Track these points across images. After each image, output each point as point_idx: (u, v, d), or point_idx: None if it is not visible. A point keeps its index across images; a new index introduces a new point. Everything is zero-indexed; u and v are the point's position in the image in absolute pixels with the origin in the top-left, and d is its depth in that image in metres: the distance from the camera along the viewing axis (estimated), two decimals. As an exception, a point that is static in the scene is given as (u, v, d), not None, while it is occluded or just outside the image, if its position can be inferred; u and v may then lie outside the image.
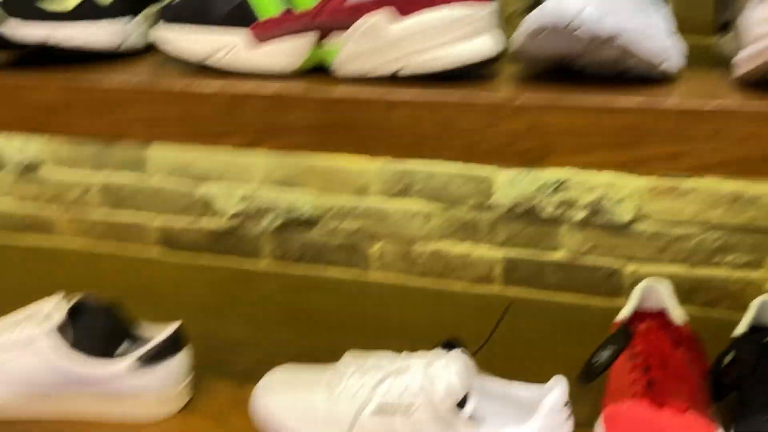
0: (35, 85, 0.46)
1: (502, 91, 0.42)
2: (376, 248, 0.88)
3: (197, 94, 0.44)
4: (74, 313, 0.61)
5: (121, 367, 0.59)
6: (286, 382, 0.59)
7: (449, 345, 0.57)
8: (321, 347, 0.67)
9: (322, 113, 0.43)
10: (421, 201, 0.84)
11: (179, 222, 0.94)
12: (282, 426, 0.57)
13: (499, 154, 0.41)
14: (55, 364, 0.59)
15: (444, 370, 0.53)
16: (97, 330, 0.61)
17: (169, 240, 0.95)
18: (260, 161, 0.88)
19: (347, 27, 0.44)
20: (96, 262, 0.93)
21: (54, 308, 0.61)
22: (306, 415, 0.56)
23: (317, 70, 0.46)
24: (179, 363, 0.62)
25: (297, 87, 0.44)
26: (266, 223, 0.90)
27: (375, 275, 0.89)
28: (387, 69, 0.44)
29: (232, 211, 0.91)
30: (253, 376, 0.61)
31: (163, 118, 0.45)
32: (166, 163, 0.92)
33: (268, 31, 0.46)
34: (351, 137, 0.43)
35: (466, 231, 0.84)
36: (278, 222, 0.90)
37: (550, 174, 0.79)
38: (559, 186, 0.79)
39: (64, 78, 0.47)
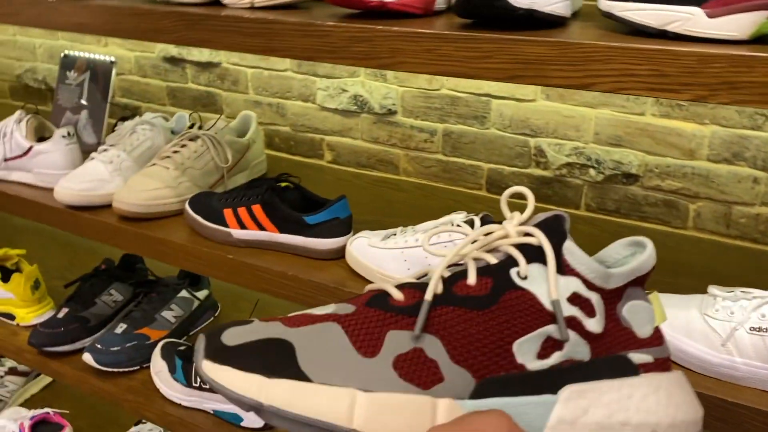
0: (528, 41, 0.61)
1: None
2: (694, 207, 0.96)
3: (666, 51, 0.56)
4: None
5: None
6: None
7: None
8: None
9: (772, 74, 0.53)
10: (749, 168, 0.91)
11: (507, 169, 1.09)
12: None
13: None
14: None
15: None
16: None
17: (494, 183, 1.11)
18: (592, 120, 1.00)
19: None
20: (430, 195, 1.11)
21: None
22: (685, 327, 0.67)
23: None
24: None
25: (750, 51, 0.54)
26: (591, 175, 1.02)
27: (690, 234, 0.98)
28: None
29: (560, 162, 1.04)
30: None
31: (633, 74, 0.58)
32: (505, 118, 1.07)
33: (720, 7, 0.57)
34: (800, 95, 0.53)
35: (794, 198, 0.90)
36: (602, 176, 1.01)
37: None
38: None
39: (548, 34, 0.61)
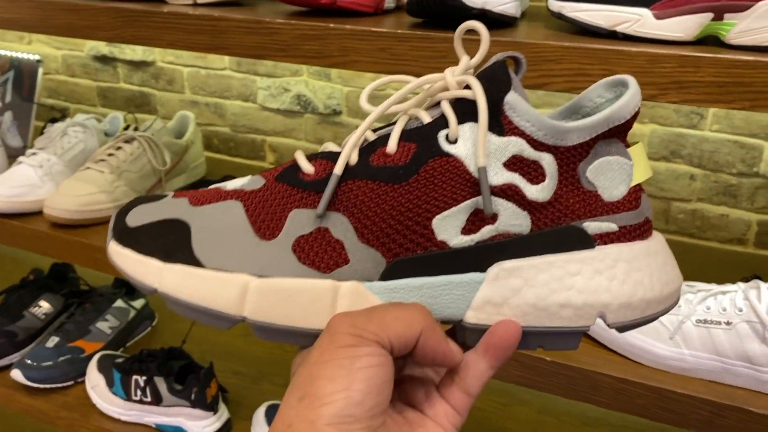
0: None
1: None
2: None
3: (619, 51, 0.57)
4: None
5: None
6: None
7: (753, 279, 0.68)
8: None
9: (719, 73, 0.55)
10: (686, 165, 0.95)
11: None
12: (606, 329, 0.70)
13: None
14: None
15: (767, 293, 0.64)
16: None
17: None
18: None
19: (744, 9, 0.56)
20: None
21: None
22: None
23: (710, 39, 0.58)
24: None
25: (697, 52, 0.56)
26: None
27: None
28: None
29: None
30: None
31: (586, 73, 0.58)
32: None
33: (668, 9, 0.58)
34: (745, 94, 0.55)
35: (727, 195, 0.94)
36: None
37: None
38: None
39: (500, 34, 0.61)
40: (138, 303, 1.18)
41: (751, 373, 0.64)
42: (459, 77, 0.35)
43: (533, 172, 0.34)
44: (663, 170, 0.96)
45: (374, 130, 0.37)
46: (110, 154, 0.97)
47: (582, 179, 0.35)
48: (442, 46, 0.62)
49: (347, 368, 0.29)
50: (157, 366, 0.98)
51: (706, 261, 0.89)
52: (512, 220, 0.34)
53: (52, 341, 1.07)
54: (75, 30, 0.77)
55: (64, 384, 1.05)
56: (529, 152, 0.34)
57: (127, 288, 1.18)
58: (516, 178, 0.34)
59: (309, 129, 1.18)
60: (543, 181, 0.34)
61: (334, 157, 0.36)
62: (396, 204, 0.34)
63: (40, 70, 1.17)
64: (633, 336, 0.68)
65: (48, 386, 1.04)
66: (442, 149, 0.34)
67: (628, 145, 0.36)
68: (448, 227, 0.34)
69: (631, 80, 0.35)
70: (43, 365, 1.04)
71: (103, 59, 1.32)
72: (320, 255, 0.34)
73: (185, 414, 0.96)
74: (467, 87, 0.35)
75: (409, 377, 0.36)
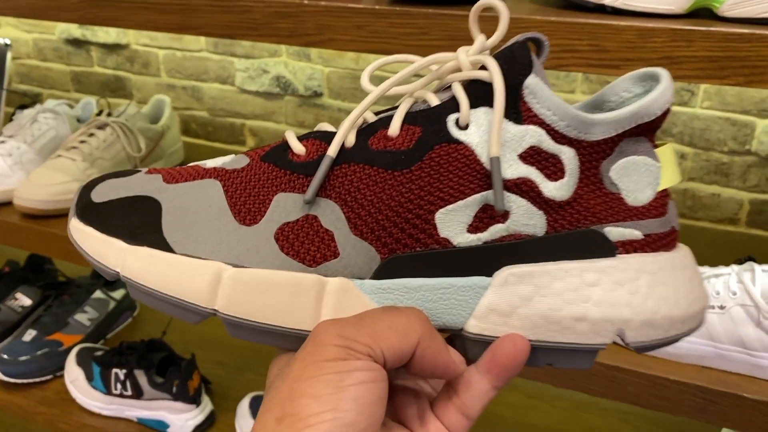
0: (466, 17, 0.58)
1: None
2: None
3: (607, 26, 0.54)
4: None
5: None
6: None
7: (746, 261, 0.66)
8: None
9: (712, 48, 0.52)
10: (677, 144, 0.92)
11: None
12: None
13: None
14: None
15: (762, 275, 0.62)
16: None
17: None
18: None
19: (739, -23, 0.53)
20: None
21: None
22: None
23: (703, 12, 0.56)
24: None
25: (689, 25, 0.53)
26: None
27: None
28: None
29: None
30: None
31: (573, 49, 0.56)
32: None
33: (659, -22, 0.55)
34: (740, 69, 0.52)
35: (718, 174, 0.92)
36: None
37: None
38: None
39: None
40: (118, 294, 1.15)
41: (745, 358, 0.62)
42: (473, 57, 0.32)
43: (552, 166, 0.30)
44: (653, 149, 0.94)
45: (376, 114, 0.34)
46: (82, 141, 0.93)
47: (605, 179, 0.31)
48: (422, 23, 0.58)
49: (335, 385, 0.26)
50: (137, 359, 0.96)
51: (698, 242, 0.87)
52: (525, 219, 0.30)
53: (29, 335, 1.04)
54: (37, 11, 0.73)
55: (43, 378, 1.02)
56: (549, 144, 0.30)
57: (105, 279, 1.15)
58: (532, 172, 0.30)
59: (290, 112, 1.15)
60: (562, 177, 0.31)
61: (328, 137, 0.32)
62: (395, 193, 0.30)
63: (9, 54, 1.12)
64: (624, 321, 0.66)
65: (26, 381, 1.01)
66: (451, 135, 0.31)
67: (656, 146, 0.32)
68: (453, 223, 0.30)
69: (663, 73, 0.32)
70: (20, 360, 1.01)
71: (76, 42, 1.27)
72: (306, 245, 0.30)
73: (167, 407, 0.94)
74: (482, 69, 0.31)
75: (401, 389, 0.32)
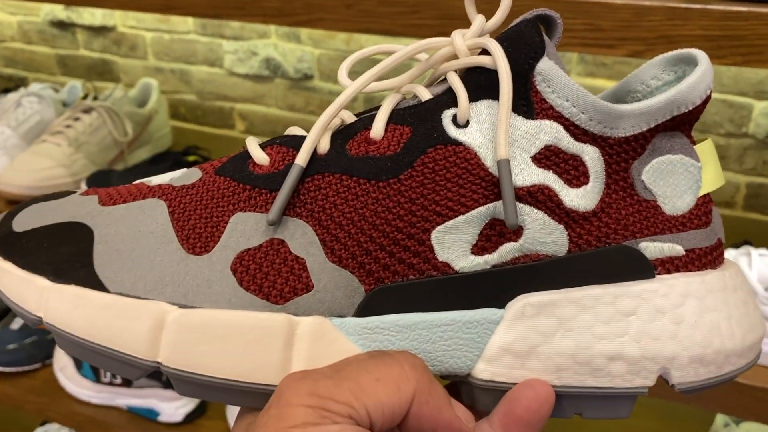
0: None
1: None
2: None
3: (602, 4, 0.53)
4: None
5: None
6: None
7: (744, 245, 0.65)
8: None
9: (709, 26, 0.51)
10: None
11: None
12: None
13: None
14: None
15: (758, 260, 0.61)
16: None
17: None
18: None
19: (738, -48, 0.51)
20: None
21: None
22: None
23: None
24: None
25: (685, 3, 0.51)
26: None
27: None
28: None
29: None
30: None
31: (568, 28, 0.54)
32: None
33: (655, -46, 0.54)
34: (738, 48, 0.51)
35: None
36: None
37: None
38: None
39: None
40: (107, 280, 1.14)
41: (741, 343, 0.61)
42: (471, 41, 0.26)
43: (573, 170, 0.25)
44: (648, 132, 0.93)
45: (357, 116, 0.28)
46: (68, 126, 0.91)
47: (637, 184, 0.26)
48: (412, 1, 0.57)
49: None
50: (126, 346, 0.94)
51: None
52: (543, 236, 0.25)
53: (17, 323, 1.02)
54: (17, -9, 0.71)
55: (31, 367, 1.01)
56: (568, 143, 0.25)
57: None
58: (550, 178, 0.25)
59: (279, 95, 1.13)
60: (586, 183, 0.26)
61: (297, 143, 0.27)
62: (381, 209, 0.25)
63: (-8, 37, 1.10)
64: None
65: (14, 370, 1.00)
66: (448, 135, 0.26)
67: (694, 142, 0.28)
68: (454, 243, 0.25)
69: (701, 56, 0.27)
70: (8, 348, 0.99)
71: (61, 25, 1.25)
72: (271, 278, 0.25)
73: (157, 395, 0.93)
74: (483, 54, 0.26)
75: None
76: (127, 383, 0.93)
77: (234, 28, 1.11)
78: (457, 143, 0.25)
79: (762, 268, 0.60)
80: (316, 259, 0.25)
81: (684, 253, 0.27)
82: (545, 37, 0.26)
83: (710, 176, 0.27)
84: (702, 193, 0.27)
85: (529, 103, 0.25)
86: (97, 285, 0.25)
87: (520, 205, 0.25)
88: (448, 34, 0.58)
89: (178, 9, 0.65)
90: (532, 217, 0.25)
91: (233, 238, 0.25)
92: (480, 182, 0.25)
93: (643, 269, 0.26)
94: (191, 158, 0.83)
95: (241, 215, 0.26)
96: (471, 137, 0.25)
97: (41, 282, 0.25)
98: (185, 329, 0.24)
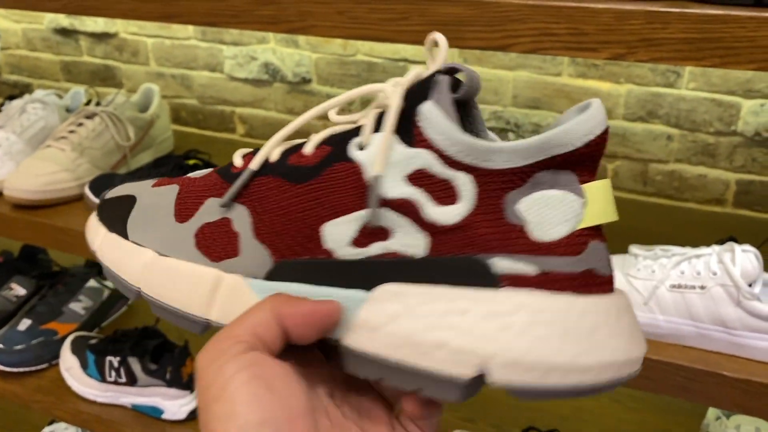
0: (444, 1, 0.58)
1: None
2: (612, 167, 0.97)
3: (584, 8, 0.54)
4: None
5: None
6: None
7: (729, 241, 0.67)
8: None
9: (688, 29, 0.52)
10: (663, 126, 0.92)
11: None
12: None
13: None
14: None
15: (742, 255, 0.62)
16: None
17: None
18: (510, 83, 0.99)
19: (715, -42, 0.53)
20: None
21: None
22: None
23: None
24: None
25: (665, 7, 0.53)
26: (510, 139, 1.01)
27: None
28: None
29: (479, 127, 1.03)
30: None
31: (551, 33, 0.56)
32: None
33: (636, -40, 0.55)
34: (716, 50, 0.52)
35: (705, 155, 0.92)
36: (521, 139, 1.01)
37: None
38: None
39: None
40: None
41: (725, 337, 0.62)
42: (397, 88, 0.33)
43: (442, 191, 0.30)
44: (640, 131, 0.94)
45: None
46: (71, 131, 0.93)
47: (507, 210, 0.30)
48: (402, 8, 0.59)
49: (229, 399, 0.26)
50: (130, 346, 0.97)
51: (685, 223, 0.88)
52: (407, 239, 0.31)
53: (24, 324, 1.05)
54: (21, 1, 0.73)
55: (39, 367, 1.03)
56: (439, 168, 0.30)
57: (99, 267, 1.16)
58: (417, 194, 0.31)
59: (279, 99, 1.15)
60: (453, 202, 0.30)
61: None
62: (291, 204, 0.33)
63: (-3, 45, 1.12)
64: (608, 302, 0.67)
65: (21, 370, 1.02)
66: (348, 154, 0.32)
67: (588, 180, 0.30)
68: (338, 236, 0.32)
69: (593, 104, 0.30)
70: (15, 349, 1.02)
71: (64, 32, 1.27)
72: (215, 243, 0.34)
73: (161, 393, 0.95)
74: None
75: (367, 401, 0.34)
76: (131, 382, 0.96)
77: (233, 34, 1.13)
78: (353, 161, 0.32)
79: (745, 264, 0.62)
80: (247, 235, 0.33)
81: (537, 273, 0.30)
82: (442, 87, 0.31)
83: (596, 212, 0.30)
84: (582, 226, 0.30)
85: (410, 135, 0.31)
86: (124, 235, 0.36)
87: (390, 212, 0.31)
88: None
89: (177, 17, 0.67)
90: (398, 224, 0.31)
91: (203, 214, 0.35)
92: (362, 191, 0.32)
93: (488, 279, 0.30)
94: (192, 162, 0.85)
95: (212, 199, 0.35)
96: (363, 157, 0.32)
97: (102, 230, 0.38)
98: (156, 269, 0.34)
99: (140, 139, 1.00)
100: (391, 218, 0.31)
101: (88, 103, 0.98)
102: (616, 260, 0.70)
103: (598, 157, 0.30)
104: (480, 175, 0.30)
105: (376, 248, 0.31)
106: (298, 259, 0.32)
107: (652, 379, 0.64)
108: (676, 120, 0.92)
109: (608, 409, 0.99)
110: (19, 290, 1.12)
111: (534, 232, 0.30)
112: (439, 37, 0.33)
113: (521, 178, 0.30)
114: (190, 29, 1.16)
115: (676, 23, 0.52)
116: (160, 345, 0.98)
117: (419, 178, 0.31)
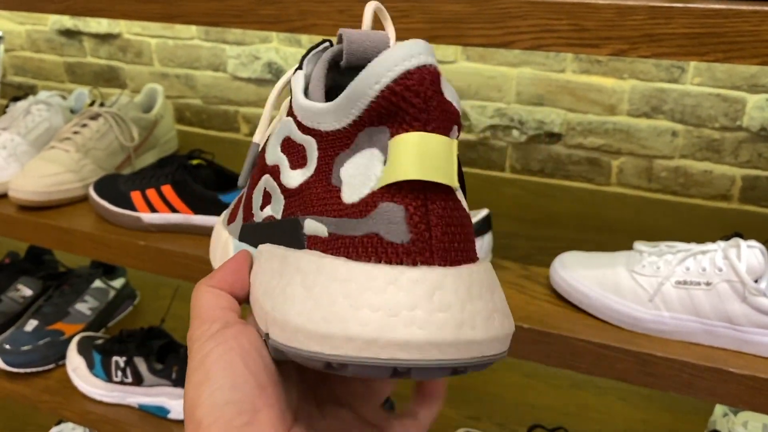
0: (444, -1, 0.58)
1: None
2: (617, 163, 0.97)
3: (586, 4, 0.54)
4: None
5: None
6: (582, 262, 0.71)
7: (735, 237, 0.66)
8: (564, 240, 0.78)
9: (691, 24, 0.52)
10: (668, 121, 0.92)
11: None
12: (585, 294, 0.68)
13: None
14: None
15: (747, 251, 0.62)
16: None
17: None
18: (513, 80, 0.98)
19: (717, -49, 0.53)
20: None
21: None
22: (614, 286, 0.67)
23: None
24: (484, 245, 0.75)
25: (667, 2, 0.53)
26: (514, 136, 1.01)
27: (614, 190, 0.98)
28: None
29: (484, 125, 1.02)
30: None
31: (552, 29, 0.56)
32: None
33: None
34: (719, 45, 0.52)
35: (710, 150, 0.91)
36: (525, 136, 1.00)
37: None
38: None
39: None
40: (117, 282, 1.17)
41: (731, 333, 0.62)
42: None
43: (297, 155, 0.31)
44: (645, 127, 0.94)
45: None
46: (76, 132, 0.94)
47: (334, 172, 0.28)
48: (403, 5, 0.58)
49: (205, 368, 0.28)
50: (136, 346, 0.97)
51: (690, 219, 0.88)
52: (274, 203, 0.33)
53: (31, 325, 1.05)
54: (21, 2, 0.73)
55: (45, 367, 1.04)
56: (296, 135, 0.31)
57: (105, 268, 1.16)
58: (282, 160, 0.32)
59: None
60: (303, 166, 0.30)
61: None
62: (253, 178, 0.38)
63: (2, 47, 1.12)
64: (614, 300, 0.67)
65: (28, 370, 1.02)
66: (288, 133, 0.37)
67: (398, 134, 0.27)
68: (255, 202, 0.36)
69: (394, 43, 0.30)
70: (22, 349, 1.02)
71: (68, 33, 1.28)
72: (233, 213, 0.41)
73: (167, 393, 0.95)
74: None
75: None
76: (137, 382, 0.96)
77: (236, 34, 1.13)
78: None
79: (751, 260, 0.61)
80: (242, 206, 0.39)
81: (326, 235, 0.28)
82: (319, 54, 0.33)
83: (395, 169, 0.26)
84: (380, 185, 0.27)
85: (290, 106, 0.33)
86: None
87: (268, 179, 0.34)
88: (437, 38, 0.60)
89: (179, 18, 0.67)
90: (272, 189, 0.33)
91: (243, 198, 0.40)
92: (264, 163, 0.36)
93: (300, 240, 0.30)
94: (196, 161, 0.85)
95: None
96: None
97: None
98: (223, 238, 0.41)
99: (144, 139, 1.00)
100: (269, 184, 0.34)
101: (92, 103, 0.99)
102: (620, 257, 0.69)
103: (410, 106, 0.26)
104: (320, 139, 0.29)
105: (266, 211, 0.34)
106: (246, 222, 0.37)
107: (657, 376, 0.64)
108: (681, 116, 0.91)
109: (614, 406, 0.99)
110: (25, 291, 1.12)
111: (344, 194, 0.28)
112: (368, 7, 0.32)
113: (349, 137, 0.28)
114: (193, 29, 1.16)
115: (679, 18, 0.52)
116: (165, 345, 0.99)
117: (285, 145, 0.32)
